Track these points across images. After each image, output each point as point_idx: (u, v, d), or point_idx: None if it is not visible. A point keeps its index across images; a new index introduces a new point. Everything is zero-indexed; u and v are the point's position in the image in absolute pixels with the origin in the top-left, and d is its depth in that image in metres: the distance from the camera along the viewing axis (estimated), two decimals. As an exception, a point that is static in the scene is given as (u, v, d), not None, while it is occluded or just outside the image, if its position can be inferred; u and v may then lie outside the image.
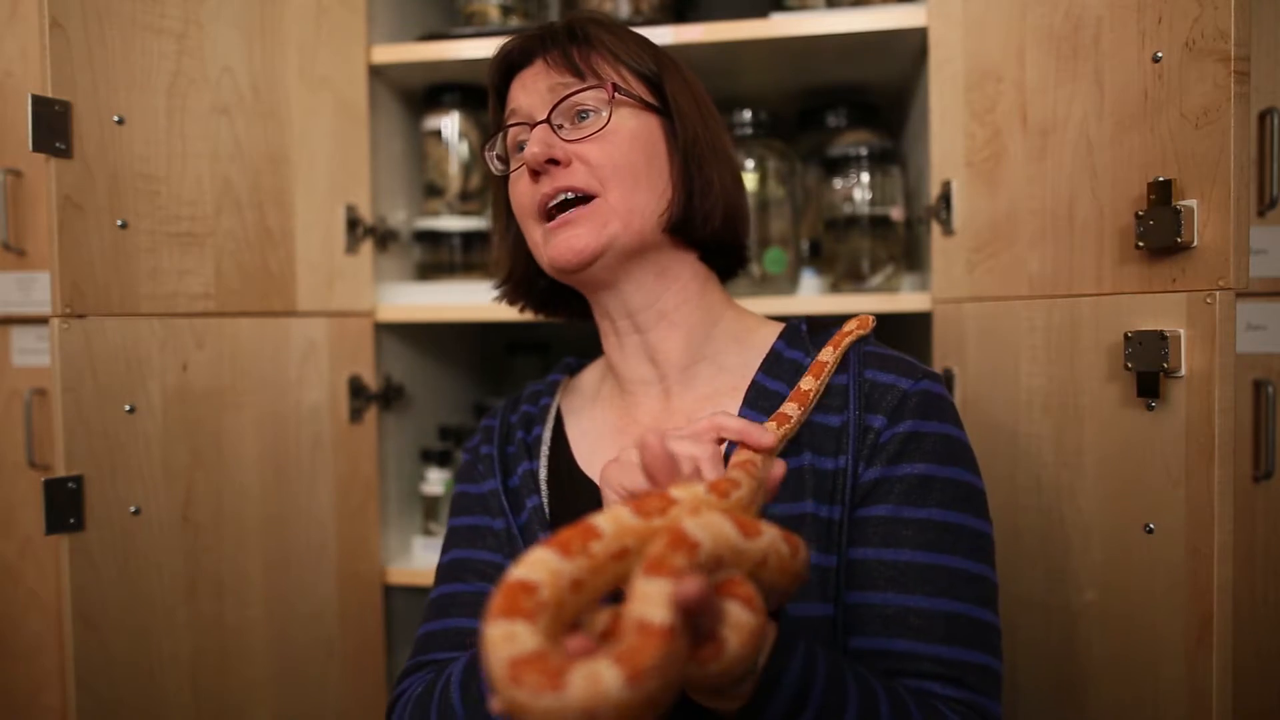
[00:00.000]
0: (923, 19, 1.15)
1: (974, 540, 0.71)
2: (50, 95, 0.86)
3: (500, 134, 0.82)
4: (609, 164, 0.76)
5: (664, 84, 0.80)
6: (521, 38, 0.81)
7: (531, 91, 0.79)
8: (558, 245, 0.77)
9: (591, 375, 0.92)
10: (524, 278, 0.88)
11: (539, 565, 0.45)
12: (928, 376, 0.76)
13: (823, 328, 0.83)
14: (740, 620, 0.48)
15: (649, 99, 0.79)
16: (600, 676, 0.38)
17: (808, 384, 0.74)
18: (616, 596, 0.48)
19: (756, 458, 0.62)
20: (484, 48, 1.25)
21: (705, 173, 0.80)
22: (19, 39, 1.22)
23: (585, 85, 0.77)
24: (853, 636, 0.70)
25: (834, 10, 1.21)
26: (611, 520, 0.48)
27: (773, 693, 0.57)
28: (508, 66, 0.82)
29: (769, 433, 0.65)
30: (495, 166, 0.83)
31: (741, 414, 0.77)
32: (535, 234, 0.80)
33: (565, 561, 0.46)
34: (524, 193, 0.79)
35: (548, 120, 0.77)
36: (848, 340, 0.78)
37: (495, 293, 0.92)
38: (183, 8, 1.00)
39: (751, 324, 0.85)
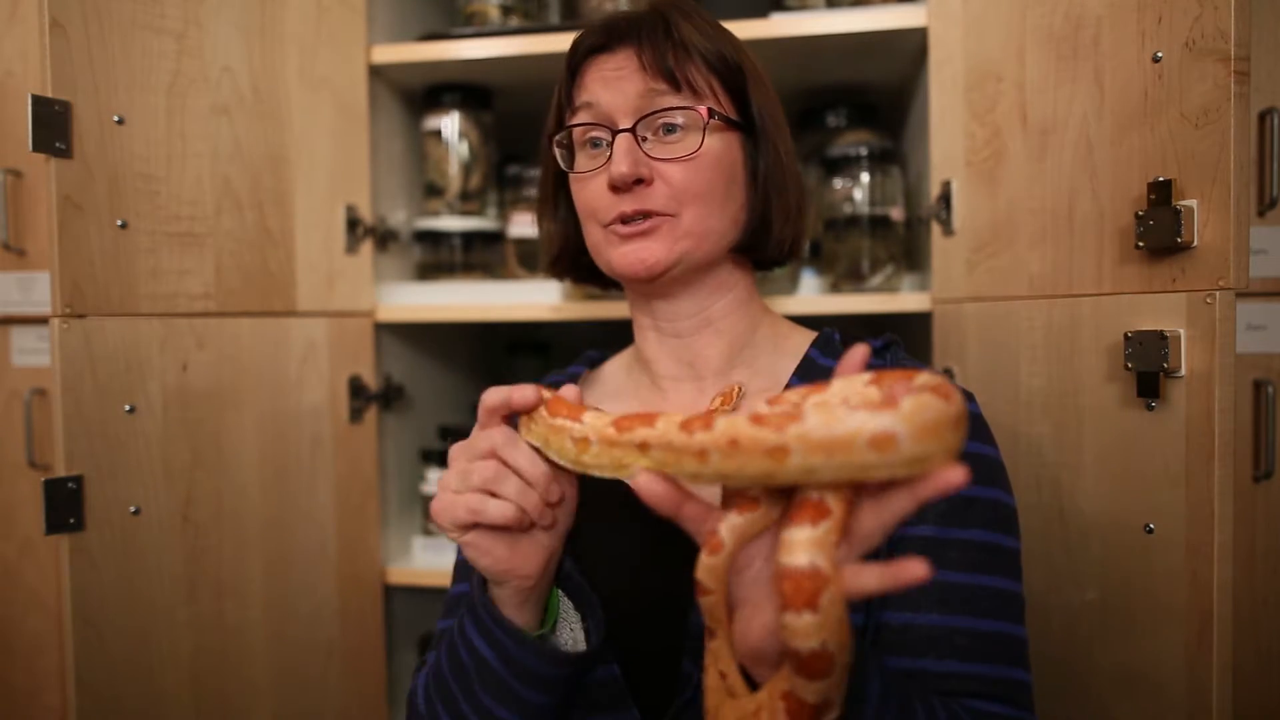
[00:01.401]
0: (923, 19, 1.15)
1: (1011, 559, 0.72)
2: (50, 95, 0.86)
3: (574, 125, 0.78)
4: (692, 189, 0.74)
5: (749, 93, 0.77)
6: (608, 28, 0.77)
7: (616, 91, 0.75)
8: (627, 255, 0.75)
9: (615, 367, 0.91)
10: (574, 255, 0.86)
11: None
12: (963, 395, 0.76)
13: (856, 338, 0.83)
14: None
15: (735, 116, 0.77)
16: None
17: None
18: None
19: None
20: (484, 48, 1.25)
21: (784, 199, 0.79)
22: (19, 39, 1.22)
23: (680, 104, 0.74)
24: (898, 656, 0.69)
25: (834, 10, 1.21)
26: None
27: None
28: (588, 51, 0.79)
29: (532, 389, 0.64)
30: (562, 160, 0.80)
31: None
32: (597, 234, 0.78)
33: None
34: (597, 197, 0.76)
35: (633, 131, 0.74)
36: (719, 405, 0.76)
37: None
38: (183, 8, 1.00)
39: (785, 330, 0.85)
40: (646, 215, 0.75)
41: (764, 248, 0.80)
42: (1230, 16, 0.70)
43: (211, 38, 1.03)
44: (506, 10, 1.36)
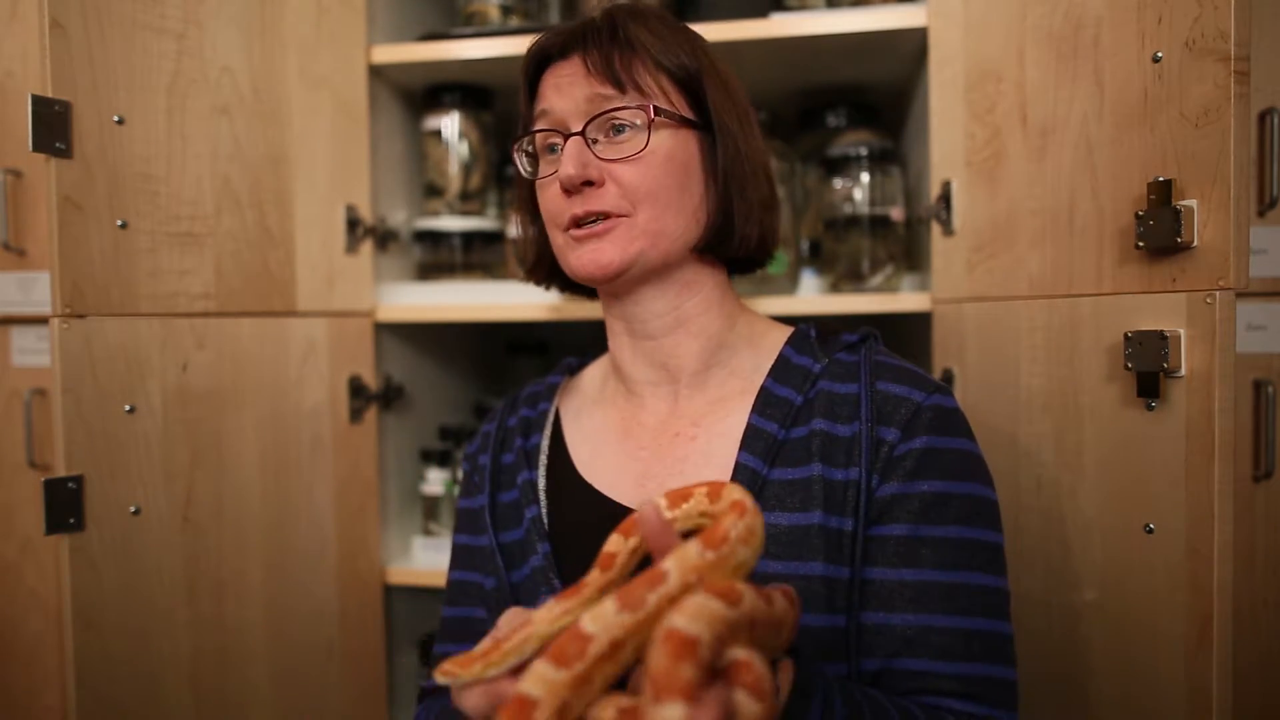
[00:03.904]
0: (923, 19, 1.15)
1: (990, 553, 0.72)
2: (50, 95, 0.86)
3: (532, 133, 0.80)
4: (642, 188, 0.74)
5: (705, 91, 0.77)
6: (560, 34, 0.78)
7: (567, 96, 0.76)
8: (582, 257, 0.76)
9: (593, 374, 0.91)
10: (549, 262, 0.86)
11: (534, 680, 0.47)
12: (939, 390, 0.76)
13: (832, 333, 0.83)
14: (748, 712, 0.46)
15: (686, 112, 0.77)
16: None
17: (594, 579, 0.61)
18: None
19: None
20: (484, 48, 1.25)
21: (746, 195, 0.78)
22: (19, 39, 1.22)
23: (624, 104, 0.74)
24: (874, 657, 0.69)
25: (834, 10, 1.21)
26: (598, 621, 0.49)
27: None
28: (543, 59, 0.80)
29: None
30: (524, 168, 0.81)
31: (750, 421, 0.76)
32: (559, 239, 0.79)
33: (562, 671, 0.47)
34: (553, 202, 0.77)
35: (582, 134, 0.75)
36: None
37: (523, 279, 0.90)
38: (183, 8, 1.00)
39: (761, 327, 0.85)
40: (600, 217, 0.75)
41: (728, 246, 0.79)
42: (1230, 16, 0.70)
43: (211, 38, 1.03)
44: (506, 10, 1.36)
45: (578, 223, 0.76)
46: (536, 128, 0.79)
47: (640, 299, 0.80)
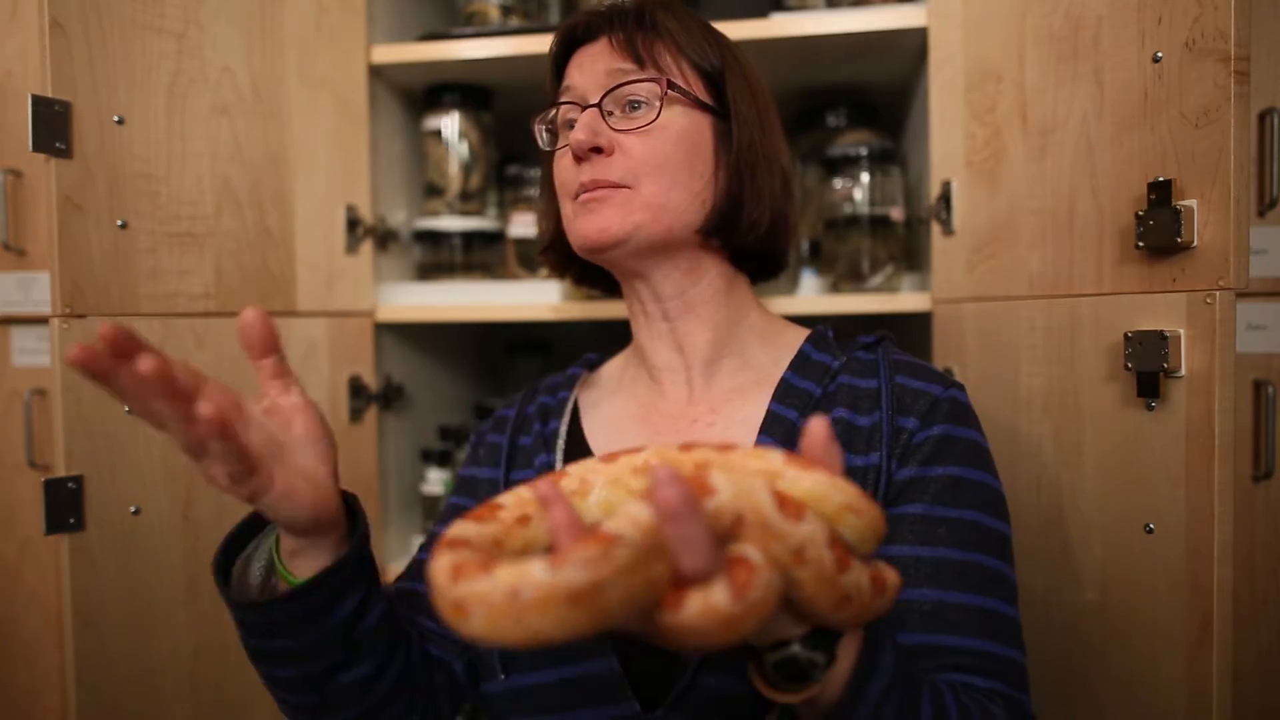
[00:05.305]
0: (923, 19, 1.15)
1: (1001, 541, 0.73)
2: (50, 95, 0.86)
3: (552, 109, 0.82)
4: (649, 160, 0.76)
5: (725, 82, 0.79)
6: (588, 14, 0.81)
7: (588, 72, 0.79)
8: (583, 222, 0.77)
9: (613, 367, 0.92)
10: (566, 248, 0.87)
11: (461, 527, 0.49)
12: (955, 386, 0.78)
13: (848, 336, 0.84)
14: (714, 598, 0.42)
15: (705, 98, 0.78)
16: (528, 563, 0.40)
17: None
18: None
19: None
20: (484, 48, 1.25)
21: (757, 181, 0.79)
22: (19, 39, 1.22)
23: (641, 77, 0.76)
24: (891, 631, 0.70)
25: (834, 10, 1.21)
26: (511, 495, 0.54)
27: (864, 690, 0.56)
28: (571, 41, 0.82)
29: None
30: (542, 139, 0.83)
31: (770, 409, 0.77)
32: (567, 209, 0.80)
33: (482, 525, 0.50)
34: (565, 171, 0.79)
35: (598, 105, 0.77)
36: None
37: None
38: (183, 8, 1.00)
39: (778, 326, 0.86)
40: (606, 186, 0.76)
41: (734, 231, 0.80)
42: (1230, 16, 0.70)
43: (211, 38, 1.03)
44: (506, 10, 1.36)
45: (585, 190, 0.77)
46: (559, 102, 0.81)
47: (648, 277, 0.81)
